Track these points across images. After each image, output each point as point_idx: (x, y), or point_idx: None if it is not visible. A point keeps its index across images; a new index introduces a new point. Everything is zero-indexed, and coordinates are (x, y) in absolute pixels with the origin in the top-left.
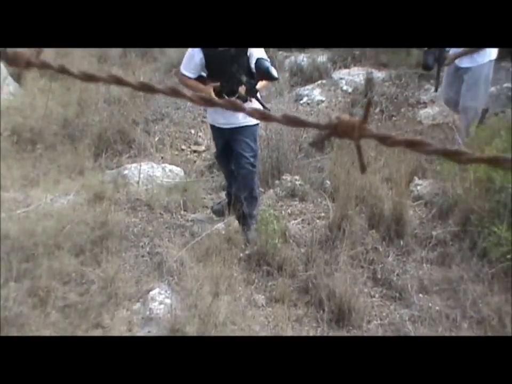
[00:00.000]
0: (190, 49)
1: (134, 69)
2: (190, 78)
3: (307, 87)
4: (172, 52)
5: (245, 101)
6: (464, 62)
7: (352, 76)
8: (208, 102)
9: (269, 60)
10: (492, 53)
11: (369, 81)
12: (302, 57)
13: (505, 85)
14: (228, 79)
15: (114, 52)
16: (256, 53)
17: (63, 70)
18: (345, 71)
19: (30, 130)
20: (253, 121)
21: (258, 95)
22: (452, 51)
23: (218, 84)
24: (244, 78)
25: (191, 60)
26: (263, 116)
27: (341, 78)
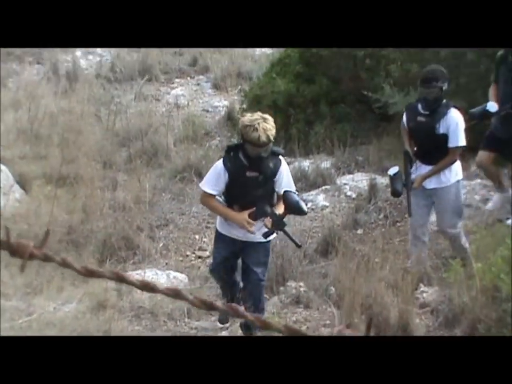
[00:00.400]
0: (217, 167)
1: (139, 175)
2: (214, 196)
3: (311, 192)
4: (177, 159)
5: (271, 234)
6: (431, 184)
7: (355, 182)
8: (208, 306)
9: (296, 192)
10: (458, 173)
11: (372, 187)
12: (307, 163)
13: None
14: (255, 206)
15: (119, 158)
16: (285, 182)
17: (64, 264)
18: (349, 176)
19: (35, 237)
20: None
21: (286, 228)
22: (418, 174)
23: (253, 209)
24: (269, 210)
25: (218, 178)
26: (264, 324)
27: (345, 184)
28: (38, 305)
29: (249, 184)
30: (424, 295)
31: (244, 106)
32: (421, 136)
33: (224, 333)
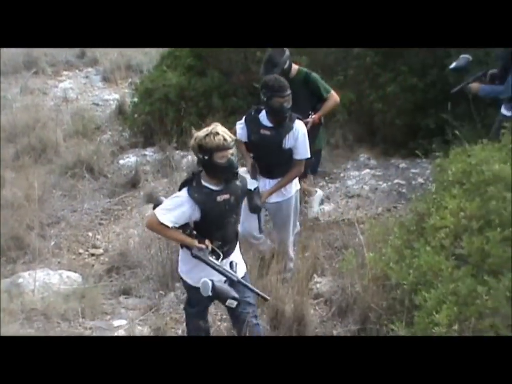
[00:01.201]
0: (181, 199)
1: (27, 172)
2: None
3: None
4: (67, 154)
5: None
6: (274, 198)
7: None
8: None
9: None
10: (296, 183)
11: None
12: None
13: (396, 181)
14: (229, 237)
15: (6, 155)
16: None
17: None
18: (243, 169)
19: None
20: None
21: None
22: (262, 188)
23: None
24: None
25: (182, 211)
26: None
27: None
28: None
29: (224, 210)
30: (318, 285)
31: (135, 99)
32: (265, 151)
33: (120, 331)
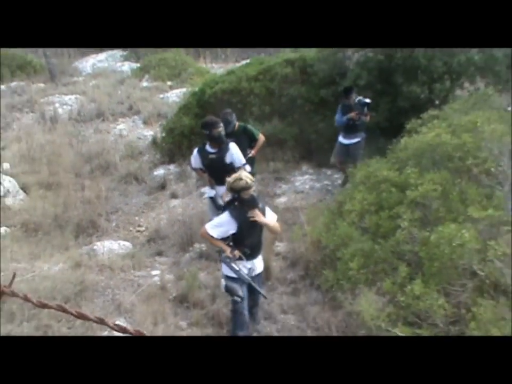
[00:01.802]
0: (224, 219)
1: (98, 181)
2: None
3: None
4: (122, 169)
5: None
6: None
7: None
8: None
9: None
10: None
11: None
12: None
13: (325, 182)
14: (255, 245)
15: (85, 170)
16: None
17: (26, 299)
18: None
19: (34, 223)
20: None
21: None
22: (216, 192)
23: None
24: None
25: (225, 227)
26: None
27: None
28: (37, 266)
29: (252, 224)
30: (278, 248)
31: (163, 134)
32: (215, 168)
33: (156, 278)
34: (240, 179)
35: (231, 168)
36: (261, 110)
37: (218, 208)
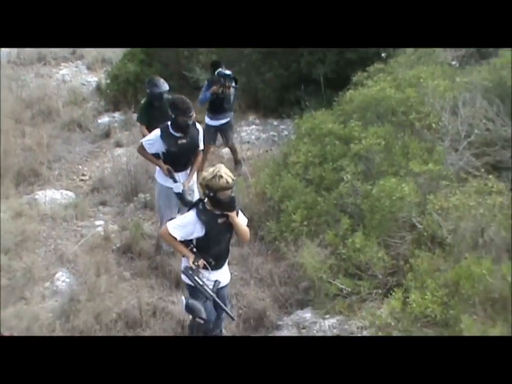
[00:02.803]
0: (190, 219)
1: (39, 127)
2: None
3: None
4: (65, 116)
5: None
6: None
7: None
8: None
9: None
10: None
11: None
12: None
13: (271, 133)
14: (222, 254)
15: (26, 116)
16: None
17: None
18: None
19: None
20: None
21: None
22: (179, 180)
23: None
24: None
25: (189, 229)
26: None
27: None
28: None
29: (222, 230)
30: None
31: (108, 81)
32: (182, 154)
33: (99, 228)
34: (220, 177)
35: (195, 150)
36: (208, 58)
37: (185, 205)
